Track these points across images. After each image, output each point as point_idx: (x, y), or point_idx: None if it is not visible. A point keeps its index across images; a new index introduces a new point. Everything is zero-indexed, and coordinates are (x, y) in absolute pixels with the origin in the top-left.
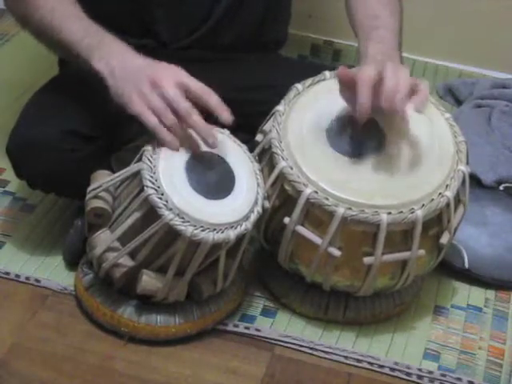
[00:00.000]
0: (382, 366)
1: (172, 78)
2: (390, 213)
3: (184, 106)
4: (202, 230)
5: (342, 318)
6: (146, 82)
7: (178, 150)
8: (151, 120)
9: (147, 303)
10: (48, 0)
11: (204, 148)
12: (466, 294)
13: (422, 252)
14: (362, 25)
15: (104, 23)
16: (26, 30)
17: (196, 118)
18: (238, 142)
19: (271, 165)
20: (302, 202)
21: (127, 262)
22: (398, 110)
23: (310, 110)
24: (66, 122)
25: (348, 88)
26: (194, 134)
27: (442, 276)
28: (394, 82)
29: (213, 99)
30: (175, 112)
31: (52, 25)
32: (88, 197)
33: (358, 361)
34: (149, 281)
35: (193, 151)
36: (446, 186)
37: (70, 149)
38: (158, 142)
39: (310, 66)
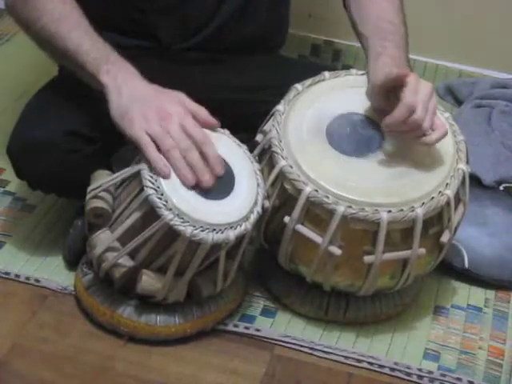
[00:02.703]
0: (382, 366)
1: (179, 117)
2: (390, 211)
3: (200, 136)
4: (202, 231)
5: (343, 318)
6: (154, 112)
7: (168, 176)
8: (148, 145)
9: (147, 303)
10: (55, 8)
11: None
12: (466, 294)
13: (422, 251)
14: (376, 27)
15: (105, 25)
16: (28, 34)
17: (211, 149)
18: (238, 142)
19: (271, 164)
20: (302, 200)
21: (127, 262)
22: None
23: (309, 109)
24: (66, 122)
25: (385, 91)
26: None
27: (442, 276)
28: (423, 114)
29: (210, 151)
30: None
31: (58, 33)
32: (88, 197)
33: (358, 361)
34: (148, 281)
35: (184, 180)
36: (446, 184)
37: (70, 149)
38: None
39: (310, 66)
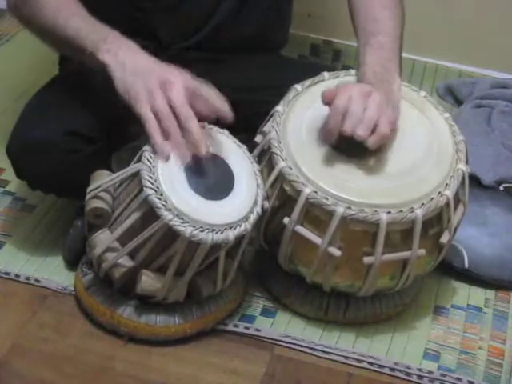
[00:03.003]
0: (382, 366)
1: (182, 82)
2: (389, 212)
3: (185, 110)
4: (201, 231)
5: (343, 319)
6: (156, 82)
7: (167, 157)
8: (151, 123)
9: (147, 303)
10: (53, 0)
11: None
12: (466, 294)
13: (422, 251)
14: (361, 29)
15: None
16: (30, 29)
17: (194, 124)
18: (238, 142)
19: (271, 165)
20: (301, 201)
21: (127, 262)
22: (361, 137)
23: (309, 110)
24: (66, 122)
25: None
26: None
27: (442, 276)
28: (358, 116)
29: (215, 99)
30: (176, 116)
31: (57, 22)
32: (88, 197)
33: (358, 361)
34: (148, 281)
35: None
36: (446, 185)
37: (70, 149)
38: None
39: (309, 66)
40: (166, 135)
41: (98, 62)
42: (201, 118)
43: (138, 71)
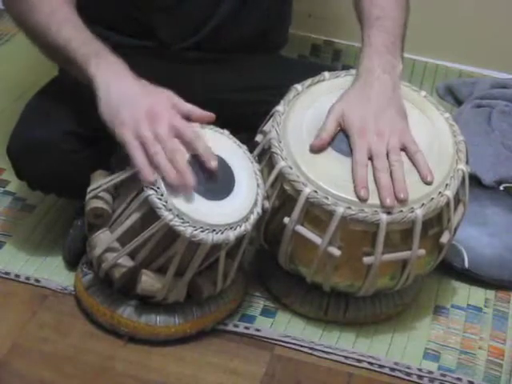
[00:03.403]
0: (382, 366)
1: (168, 118)
2: (389, 212)
3: (171, 143)
4: (202, 231)
5: (343, 319)
6: (143, 113)
7: (152, 184)
8: (136, 149)
9: (147, 303)
10: (47, 3)
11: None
12: (466, 294)
13: (422, 252)
14: (366, 13)
15: (105, 24)
16: (22, 31)
17: (180, 158)
18: (238, 142)
19: (271, 165)
20: (301, 201)
21: (127, 262)
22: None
23: (309, 109)
24: (66, 122)
25: None
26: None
27: (442, 276)
28: (389, 185)
29: (200, 146)
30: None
31: (49, 29)
32: (88, 197)
33: (358, 361)
34: (148, 281)
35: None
36: (446, 185)
37: (70, 150)
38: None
39: (310, 66)
40: (151, 162)
41: (86, 75)
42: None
43: (122, 97)
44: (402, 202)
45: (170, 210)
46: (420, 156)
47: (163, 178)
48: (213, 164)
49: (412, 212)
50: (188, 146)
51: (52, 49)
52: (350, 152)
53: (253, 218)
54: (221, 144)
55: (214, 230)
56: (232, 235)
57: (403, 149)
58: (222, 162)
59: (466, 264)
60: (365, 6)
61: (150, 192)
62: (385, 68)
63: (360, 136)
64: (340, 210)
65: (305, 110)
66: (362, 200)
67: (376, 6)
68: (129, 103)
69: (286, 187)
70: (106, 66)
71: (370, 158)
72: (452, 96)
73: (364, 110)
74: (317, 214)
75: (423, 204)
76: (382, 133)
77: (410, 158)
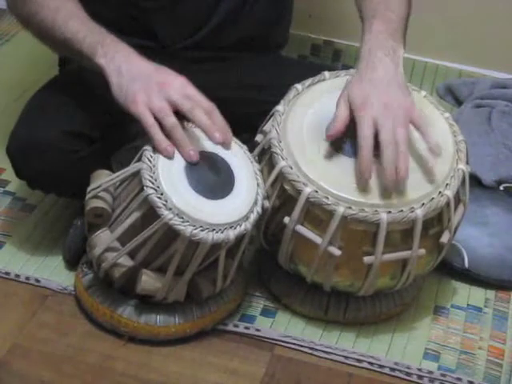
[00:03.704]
0: (382, 366)
1: (180, 83)
2: (389, 212)
3: (187, 103)
4: (202, 230)
5: (343, 319)
6: (155, 84)
7: (171, 156)
8: (150, 122)
9: (147, 303)
10: (49, 1)
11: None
12: (466, 294)
13: (422, 251)
14: (369, 5)
15: (104, 24)
16: (28, 29)
17: (199, 113)
18: (239, 142)
19: (271, 165)
20: (301, 201)
21: (127, 261)
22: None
23: (309, 109)
24: (66, 122)
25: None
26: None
27: (442, 276)
28: (392, 165)
29: (216, 115)
30: (178, 112)
31: (55, 24)
32: (88, 197)
33: (358, 361)
34: (148, 281)
35: (187, 157)
36: (446, 185)
37: (70, 149)
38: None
39: (310, 66)
40: (167, 134)
41: (95, 65)
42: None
43: (134, 75)
44: (402, 177)
45: (170, 209)
46: (429, 129)
47: (163, 177)
48: (224, 138)
49: (412, 212)
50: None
51: (60, 44)
52: (351, 152)
53: (253, 217)
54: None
55: (214, 229)
56: (232, 234)
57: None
58: (222, 161)
59: (466, 264)
60: (367, 3)
61: (150, 191)
62: (386, 51)
63: (363, 110)
64: (340, 209)
65: (305, 110)
66: (365, 185)
67: (379, 2)
68: (140, 79)
69: (287, 187)
70: (113, 54)
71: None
72: (452, 96)
73: (368, 88)
74: (317, 214)
75: (423, 204)
76: (387, 105)
77: (418, 130)
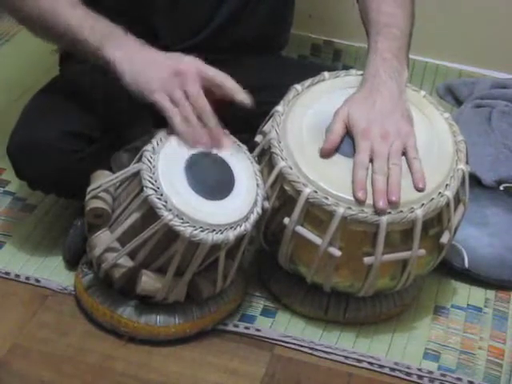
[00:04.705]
0: (382, 366)
1: (195, 72)
2: (389, 212)
3: (201, 102)
4: (202, 231)
5: (343, 319)
6: (169, 70)
7: (191, 140)
8: (169, 107)
9: (147, 303)
10: None
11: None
12: (466, 294)
13: (422, 252)
14: (374, 21)
15: None
16: (24, 23)
17: (210, 116)
18: (238, 142)
19: (271, 165)
20: (301, 201)
21: (127, 262)
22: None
23: (309, 110)
24: (66, 122)
25: None
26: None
27: (441, 276)
28: (383, 189)
29: (229, 82)
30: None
31: (56, 14)
32: (88, 197)
33: (358, 361)
34: (148, 281)
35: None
36: (446, 185)
37: (71, 150)
38: (170, 131)
39: (310, 66)
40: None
41: (103, 58)
42: (216, 104)
43: (147, 63)
44: (393, 204)
45: (170, 209)
46: (416, 163)
47: (163, 177)
48: (241, 96)
49: (412, 212)
50: (219, 88)
51: (60, 36)
52: (351, 153)
53: (253, 217)
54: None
55: (214, 230)
56: (232, 235)
57: (404, 152)
58: (221, 162)
59: (466, 264)
60: (372, 13)
61: (150, 192)
62: (391, 74)
63: (364, 137)
64: (340, 210)
65: (305, 110)
66: (360, 202)
67: (383, 13)
68: (154, 67)
69: (286, 187)
70: (124, 44)
71: (371, 160)
72: (452, 96)
73: (369, 113)
74: (317, 215)
75: (423, 204)
76: (387, 135)
77: (407, 163)
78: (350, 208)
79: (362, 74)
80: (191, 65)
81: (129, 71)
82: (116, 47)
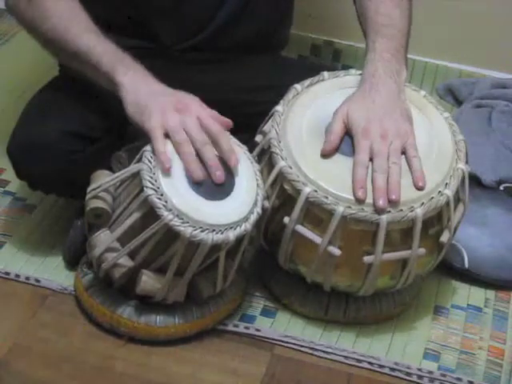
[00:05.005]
0: (382, 366)
1: (195, 110)
2: (389, 211)
3: (201, 137)
4: (202, 231)
5: (343, 318)
6: (172, 104)
7: (167, 172)
8: (160, 141)
9: (147, 303)
10: (64, 9)
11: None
12: (466, 294)
13: (422, 251)
14: (372, 21)
15: (105, 25)
16: (33, 35)
17: (209, 150)
18: (238, 142)
19: (270, 165)
20: (301, 201)
21: (127, 262)
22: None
23: (309, 109)
24: (66, 122)
25: None
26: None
27: (441, 276)
28: (383, 187)
29: (225, 143)
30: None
31: (69, 35)
32: (88, 197)
33: (358, 361)
34: (148, 281)
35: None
36: (446, 184)
37: (71, 150)
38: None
39: (309, 66)
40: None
41: (112, 82)
42: None
43: (151, 95)
44: (393, 203)
45: (170, 209)
46: (416, 161)
47: (163, 177)
48: (233, 163)
49: (412, 211)
50: (213, 139)
51: (71, 55)
52: (350, 152)
53: (253, 217)
54: None
55: (214, 230)
56: (232, 235)
57: (403, 151)
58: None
59: (466, 264)
60: (370, 14)
61: (150, 192)
62: (390, 73)
63: (363, 136)
64: (340, 209)
65: (304, 110)
66: (360, 201)
67: (381, 14)
68: (157, 97)
69: (286, 187)
70: (133, 73)
71: (371, 159)
72: (452, 96)
73: (369, 112)
74: (317, 214)
75: (423, 203)
76: (386, 134)
77: (407, 162)
78: (349, 207)
79: (361, 74)
80: (193, 100)
81: (132, 100)
82: (126, 75)
